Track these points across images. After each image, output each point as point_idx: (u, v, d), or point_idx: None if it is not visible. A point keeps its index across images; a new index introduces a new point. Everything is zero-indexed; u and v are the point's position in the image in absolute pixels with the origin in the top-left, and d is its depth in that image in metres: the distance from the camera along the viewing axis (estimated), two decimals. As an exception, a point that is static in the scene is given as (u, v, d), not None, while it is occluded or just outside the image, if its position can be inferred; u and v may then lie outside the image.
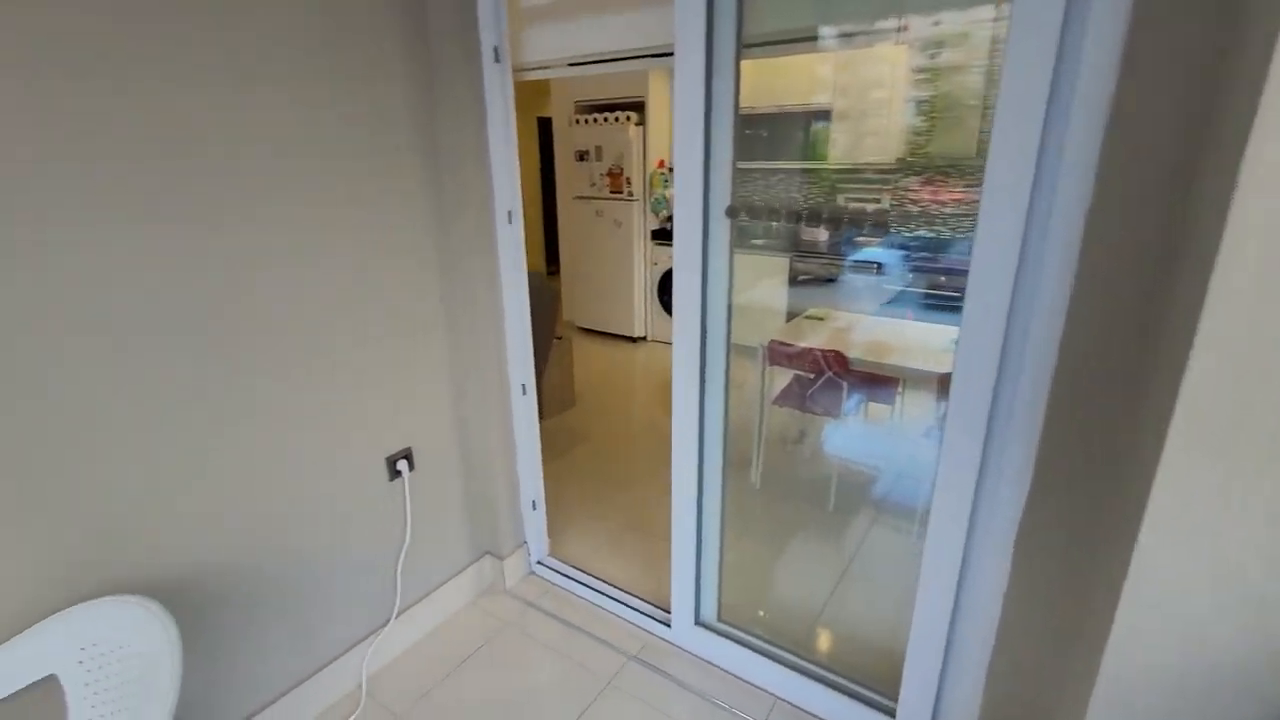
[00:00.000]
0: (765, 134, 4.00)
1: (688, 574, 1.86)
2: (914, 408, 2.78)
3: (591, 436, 3.43)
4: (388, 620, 1.86)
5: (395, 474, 1.80)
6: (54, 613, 1.16)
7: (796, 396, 2.84)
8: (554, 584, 2.22)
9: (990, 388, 1.20)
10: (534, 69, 3.50)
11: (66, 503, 1.20)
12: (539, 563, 2.30)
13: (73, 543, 1.22)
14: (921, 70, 3.60)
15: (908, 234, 3.59)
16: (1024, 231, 1.08)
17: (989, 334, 1.17)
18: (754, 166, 3.94)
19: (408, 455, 1.83)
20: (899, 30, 3.55)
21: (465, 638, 1.98)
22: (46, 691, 1.15)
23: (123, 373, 1.23)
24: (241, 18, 1.30)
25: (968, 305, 1.19)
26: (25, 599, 1.17)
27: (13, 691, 1.12)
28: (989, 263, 1.14)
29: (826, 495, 2.72)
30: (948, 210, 3.34)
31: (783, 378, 2.87)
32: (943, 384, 2.27)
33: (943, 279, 3.31)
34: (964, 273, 1.20)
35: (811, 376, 2.78)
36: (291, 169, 1.43)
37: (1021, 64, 1.02)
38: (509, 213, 1.90)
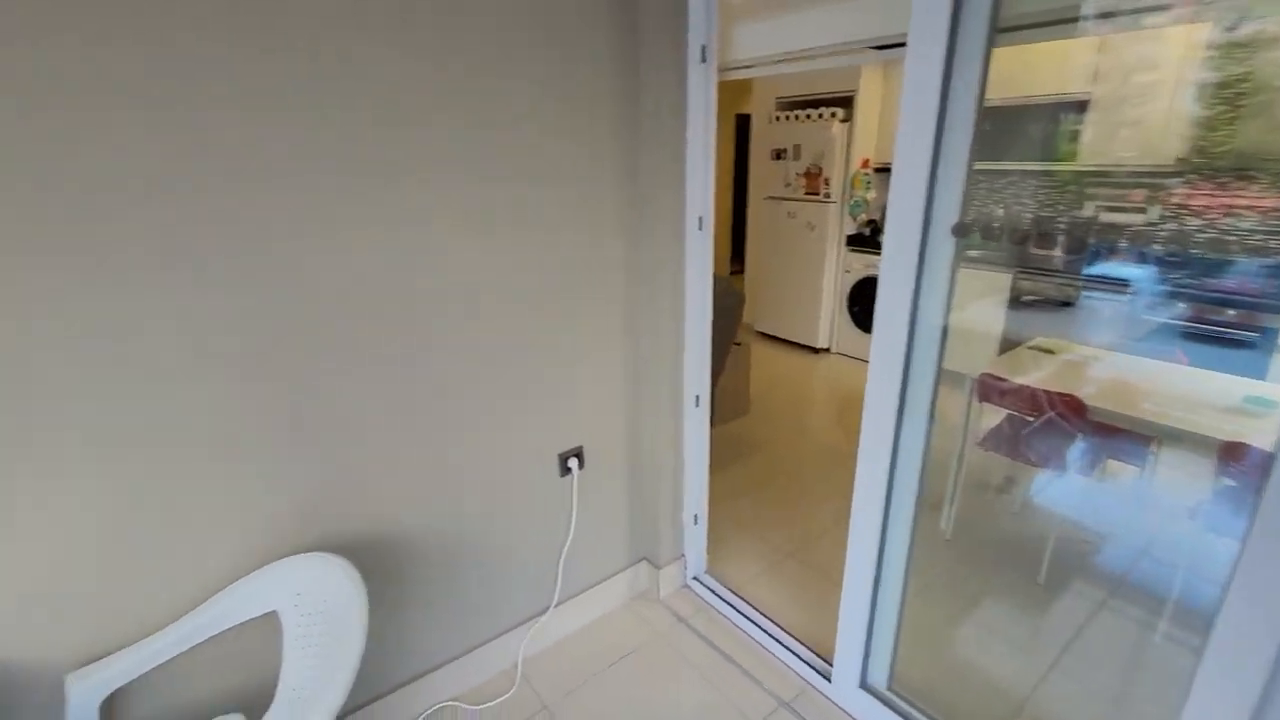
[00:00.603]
0: (992, 129, 3.49)
1: (858, 627, 1.66)
2: (1173, 473, 2.22)
3: (761, 449, 3.28)
4: (546, 609, 1.93)
5: (566, 470, 1.85)
6: (279, 560, 1.34)
7: (1008, 440, 2.43)
8: (708, 603, 2.14)
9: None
10: (739, 68, 3.41)
11: (298, 473, 1.38)
12: (695, 578, 2.23)
13: (300, 504, 1.39)
14: (1218, 47, 2.86)
15: (1181, 251, 2.89)
16: None
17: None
18: (980, 168, 3.45)
19: (579, 453, 1.87)
20: (1196, 2, 2.85)
21: (616, 640, 1.98)
22: (269, 624, 1.34)
23: (352, 371, 1.38)
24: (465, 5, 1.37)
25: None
26: (262, 547, 1.36)
27: (248, 619, 1.31)
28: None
29: (1037, 561, 2.29)
30: (1246, 224, 2.62)
31: (991, 416, 2.48)
32: (1229, 453, 1.77)
33: (1232, 313, 2.61)
34: (1272, 308, 0.87)
35: (1030, 418, 2.35)
36: (493, 165, 1.50)
37: None
38: (700, 218, 1.84)
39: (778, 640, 1.93)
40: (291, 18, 1.15)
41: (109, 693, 1.18)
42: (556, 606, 1.94)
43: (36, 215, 1.00)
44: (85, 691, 1.15)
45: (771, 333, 5.18)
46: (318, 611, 1.31)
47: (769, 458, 3.20)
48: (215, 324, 1.20)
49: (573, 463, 1.85)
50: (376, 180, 1.32)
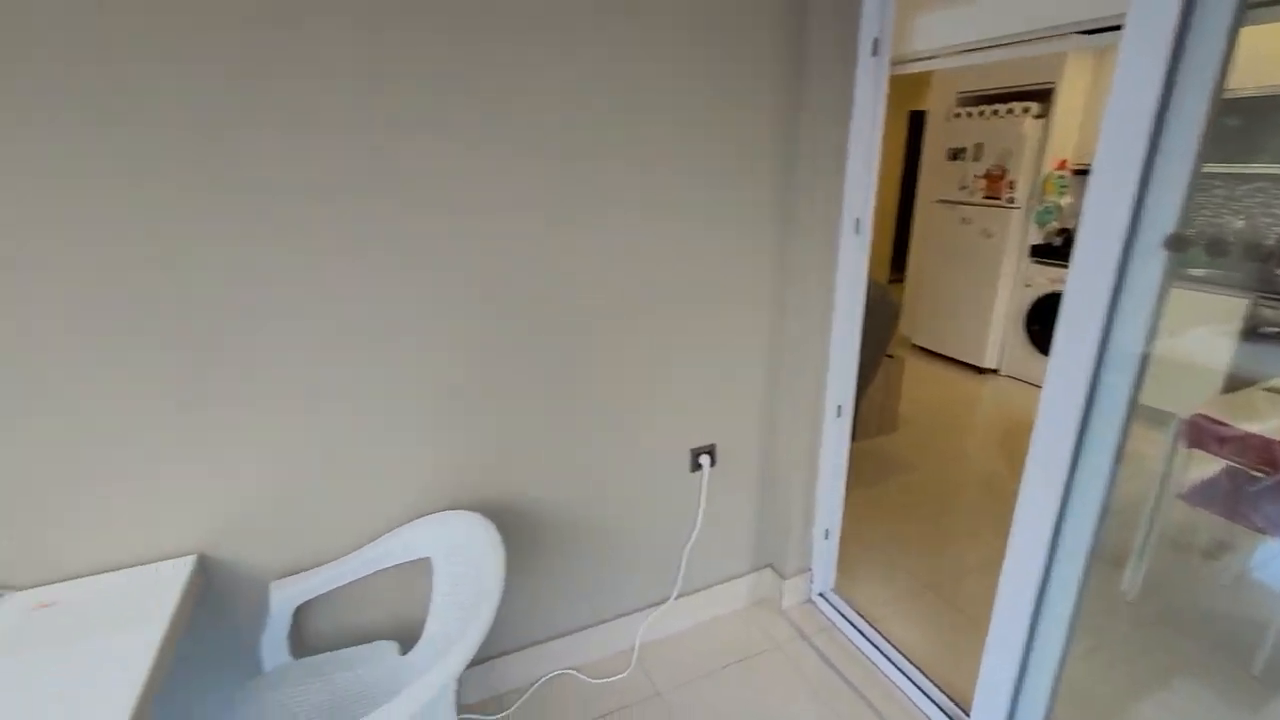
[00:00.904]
0: (1233, 125, 2.88)
1: (1003, 680, 1.49)
2: None
3: (907, 471, 3.05)
4: (666, 599, 1.96)
5: (697, 466, 1.86)
6: (435, 513, 1.50)
7: (1225, 497, 2.03)
8: (832, 622, 2.04)
9: None
10: (916, 60, 3.17)
11: (459, 439, 1.52)
12: (821, 594, 2.14)
13: (457, 467, 1.55)
14: None
15: None
16: None
17: None
18: (1212, 171, 2.89)
19: (710, 451, 1.87)
20: None
21: (733, 642, 1.96)
22: (424, 569, 1.50)
23: (516, 353, 1.50)
24: None
25: None
26: (424, 498, 1.53)
27: (407, 561, 1.49)
28: None
29: (1252, 646, 1.89)
30: None
31: (1203, 465, 2.08)
32: None
33: None
34: None
35: (1258, 474, 1.95)
36: (648, 162, 1.54)
37: None
38: (857, 221, 1.75)
39: (906, 676, 1.79)
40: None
41: (300, 603, 1.40)
42: (676, 599, 1.97)
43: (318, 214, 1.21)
44: (283, 599, 1.37)
45: (931, 348, 4.78)
46: (463, 564, 1.45)
47: (915, 481, 2.97)
48: (411, 304, 1.37)
49: (704, 459, 1.86)
50: (551, 172, 1.43)
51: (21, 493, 1.17)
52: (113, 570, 1.26)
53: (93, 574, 1.24)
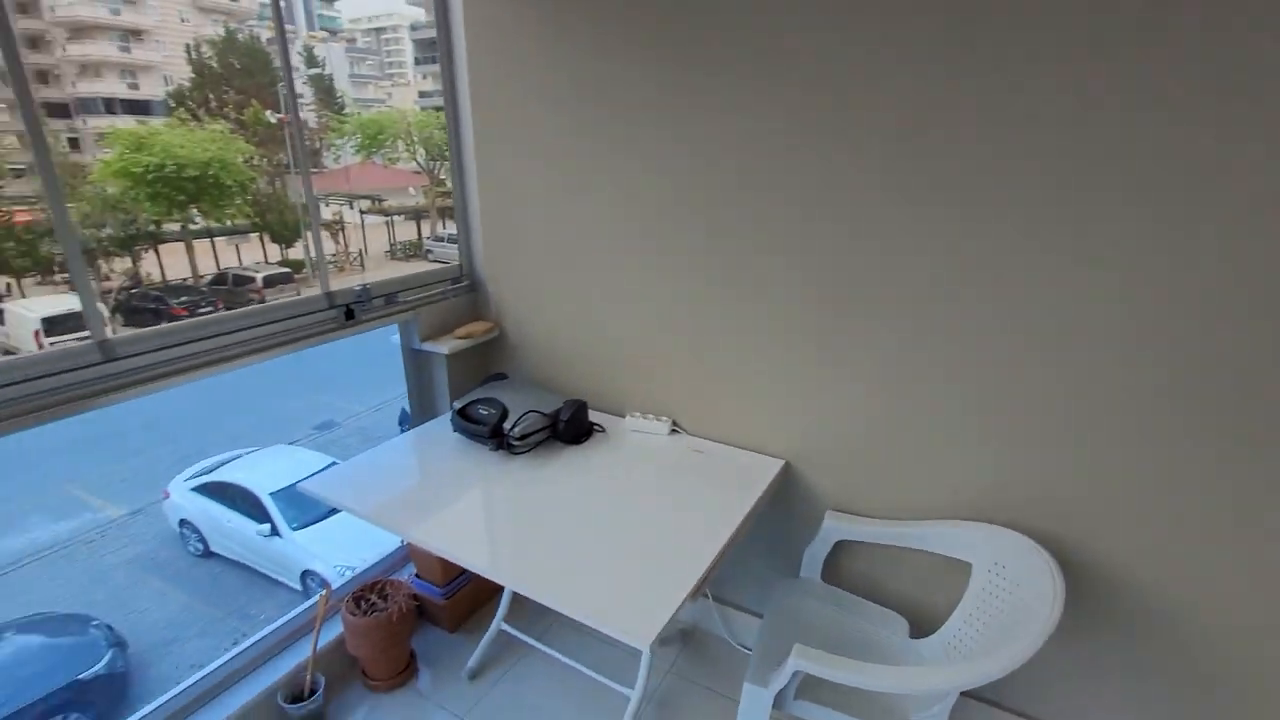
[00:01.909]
0: None
1: None
2: None
3: None
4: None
5: None
6: (985, 522, 1.43)
7: None
8: None
9: None
10: None
11: (1054, 459, 1.38)
12: None
13: (1027, 483, 1.41)
14: None
15: None
16: None
17: None
18: None
19: None
20: None
21: None
22: (960, 570, 1.47)
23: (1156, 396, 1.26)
24: None
25: None
26: (978, 503, 1.47)
27: (945, 555, 1.49)
28: None
29: None
30: None
31: None
32: None
33: None
34: None
35: None
36: None
37: None
38: None
39: None
40: None
41: (842, 539, 1.60)
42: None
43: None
44: (832, 528, 1.60)
45: None
46: (1007, 588, 1.35)
47: None
48: (1084, 308, 1.30)
49: None
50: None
51: (708, 384, 1.71)
52: (738, 447, 1.71)
53: (726, 444, 1.73)
